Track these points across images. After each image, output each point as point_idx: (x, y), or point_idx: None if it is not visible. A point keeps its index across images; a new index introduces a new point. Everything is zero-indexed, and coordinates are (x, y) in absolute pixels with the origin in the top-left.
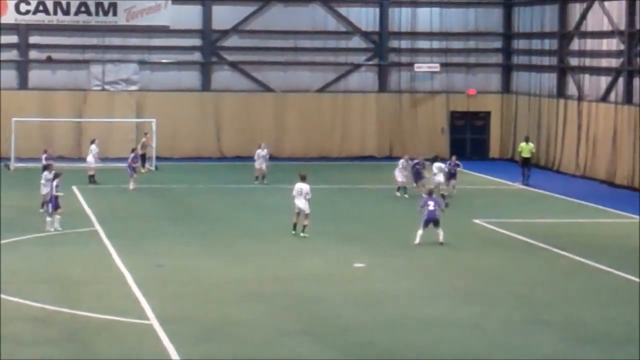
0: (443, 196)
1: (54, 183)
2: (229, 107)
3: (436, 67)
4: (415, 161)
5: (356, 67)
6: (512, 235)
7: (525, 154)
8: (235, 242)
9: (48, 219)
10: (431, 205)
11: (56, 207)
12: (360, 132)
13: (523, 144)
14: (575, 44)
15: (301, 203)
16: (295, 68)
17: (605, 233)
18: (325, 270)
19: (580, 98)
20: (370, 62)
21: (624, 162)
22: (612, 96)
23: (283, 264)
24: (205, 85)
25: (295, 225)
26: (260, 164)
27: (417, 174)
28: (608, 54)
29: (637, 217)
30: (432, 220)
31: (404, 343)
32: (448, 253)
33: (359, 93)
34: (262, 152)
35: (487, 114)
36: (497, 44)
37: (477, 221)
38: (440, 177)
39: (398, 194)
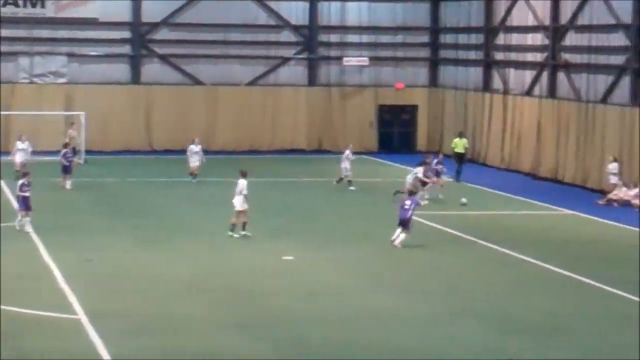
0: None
1: (20, 182)
2: (159, 101)
3: (365, 61)
4: (437, 160)
5: (286, 60)
6: (441, 228)
7: (459, 150)
8: (168, 236)
9: (20, 219)
10: (407, 204)
11: (27, 208)
12: (290, 126)
13: (457, 140)
14: (501, 39)
15: (237, 200)
16: (225, 61)
17: (531, 225)
18: (257, 264)
19: (505, 92)
20: (300, 56)
21: (548, 155)
22: (537, 90)
23: (215, 257)
24: (135, 79)
25: (233, 226)
26: (193, 162)
27: (437, 172)
28: (533, 49)
29: (561, 209)
30: (402, 220)
31: (335, 335)
32: (378, 246)
33: (288, 86)
34: (195, 148)
35: (415, 108)
36: (425, 38)
37: None
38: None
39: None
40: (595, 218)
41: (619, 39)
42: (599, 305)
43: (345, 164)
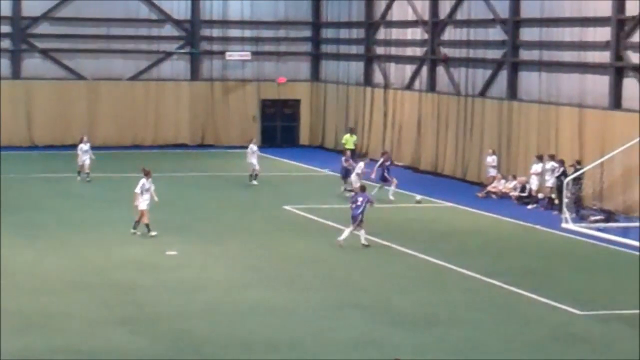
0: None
1: None
2: (40, 96)
3: (247, 55)
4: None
5: (168, 55)
6: (322, 221)
7: (349, 146)
8: (52, 232)
9: None
10: (359, 201)
11: None
12: (173, 120)
13: (347, 136)
14: (382, 34)
15: (140, 200)
16: (107, 56)
17: (412, 217)
18: (141, 259)
19: (386, 86)
20: (183, 51)
21: (428, 148)
22: (417, 84)
23: (100, 253)
24: (16, 73)
25: (136, 224)
26: (82, 160)
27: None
28: (412, 43)
29: (442, 201)
30: (353, 217)
31: (219, 330)
32: (261, 240)
33: (171, 81)
34: (85, 147)
35: (297, 102)
36: (307, 33)
37: (287, 207)
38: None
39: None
40: (475, 210)
41: (496, 34)
42: (479, 296)
43: (252, 159)
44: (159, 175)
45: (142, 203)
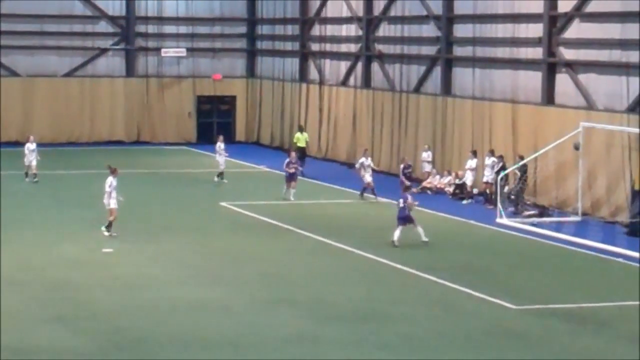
0: None
1: None
2: None
3: (182, 52)
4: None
5: (103, 51)
6: (259, 218)
7: (301, 144)
8: None
9: None
10: (401, 202)
11: None
12: (108, 117)
13: (298, 134)
14: (317, 30)
15: (106, 198)
16: (42, 52)
17: (347, 213)
18: (77, 256)
19: (321, 82)
20: (118, 47)
21: (363, 144)
22: (352, 80)
23: (35, 251)
24: None
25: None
26: (29, 160)
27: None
28: (347, 40)
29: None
30: (403, 219)
31: (154, 327)
32: (197, 237)
33: (106, 77)
34: (31, 146)
35: (233, 98)
36: (242, 29)
37: (223, 204)
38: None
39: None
40: None
41: (430, 30)
42: (414, 291)
43: (220, 158)
44: (96, 172)
45: (112, 201)
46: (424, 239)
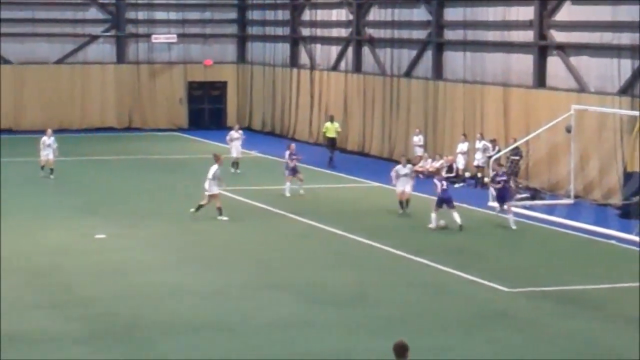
0: None
1: None
2: None
3: (173, 38)
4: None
5: (94, 38)
6: (250, 202)
7: (331, 134)
8: None
9: None
10: (444, 184)
11: None
12: (99, 104)
13: (328, 124)
14: (307, 15)
15: (207, 184)
16: (32, 40)
17: (338, 197)
18: (68, 243)
19: (312, 67)
20: (108, 34)
21: (355, 129)
22: (343, 65)
23: (26, 237)
24: None
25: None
26: (45, 154)
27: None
28: (338, 24)
29: (368, 181)
30: (445, 201)
31: (147, 312)
32: (188, 222)
33: (97, 64)
34: (48, 140)
35: (224, 84)
36: (233, 15)
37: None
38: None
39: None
40: None
41: (420, 14)
42: (406, 274)
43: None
44: (87, 159)
45: (214, 188)
46: (459, 222)
